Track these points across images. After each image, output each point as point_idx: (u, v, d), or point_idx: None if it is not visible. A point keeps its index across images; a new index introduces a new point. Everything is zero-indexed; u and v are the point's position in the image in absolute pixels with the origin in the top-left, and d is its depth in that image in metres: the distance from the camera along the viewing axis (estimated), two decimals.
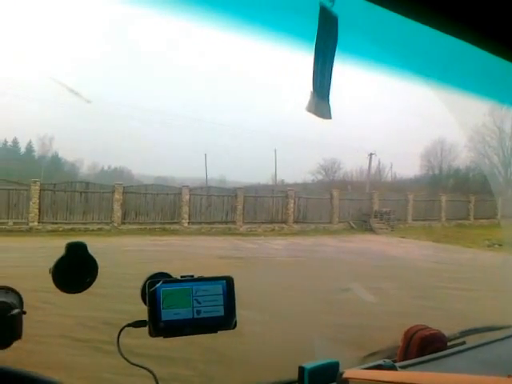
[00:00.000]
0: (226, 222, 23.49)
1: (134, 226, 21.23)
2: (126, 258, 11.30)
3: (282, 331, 6.15)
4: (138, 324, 1.10)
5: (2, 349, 0.87)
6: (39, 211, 19.88)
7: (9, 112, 40.82)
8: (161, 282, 1.09)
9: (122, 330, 1.10)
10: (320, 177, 44.60)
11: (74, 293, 1.08)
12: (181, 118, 46.28)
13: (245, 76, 55.36)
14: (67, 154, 45.68)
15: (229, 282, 1.15)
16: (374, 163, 38.24)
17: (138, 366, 1.10)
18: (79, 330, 6.01)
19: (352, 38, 1.12)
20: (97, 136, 45.87)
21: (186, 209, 22.51)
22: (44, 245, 14.56)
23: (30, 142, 44.80)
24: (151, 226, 21.63)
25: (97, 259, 1.13)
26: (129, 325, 1.11)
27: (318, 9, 0.92)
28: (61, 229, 19.61)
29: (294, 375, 1.23)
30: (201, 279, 1.13)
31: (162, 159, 47.66)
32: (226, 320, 1.13)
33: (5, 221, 19.24)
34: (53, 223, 19.98)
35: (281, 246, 18.40)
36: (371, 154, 35.65)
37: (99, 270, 1.13)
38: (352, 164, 48.14)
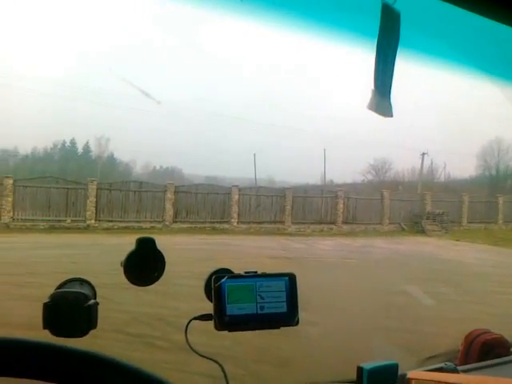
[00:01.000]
0: (275, 222, 23.52)
1: (185, 225, 21.64)
2: (177, 256, 11.49)
3: (336, 333, 6.08)
4: (204, 317, 1.13)
5: (79, 337, 0.91)
6: (96, 209, 20.59)
7: (66, 114, 42.60)
8: (226, 278, 1.11)
9: (189, 322, 1.13)
10: (370, 177, 43.91)
11: (143, 286, 1.12)
12: (231, 119, 46.82)
13: (297, 75, 55.31)
14: (122, 154, 47.20)
15: (291, 279, 1.16)
16: (427, 163, 37.18)
17: (207, 358, 1.13)
18: (133, 325, 6.16)
19: (413, 34, 1.10)
20: (149, 136, 47.21)
21: (235, 208, 22.73)
22: (100, 242, 15.14)
23: (87, 142, 46.61)
24: (202, 224, 22.00)
25: None
26: (195, 318, 1.13)
27: (380, 6, 0.91)
28: (116, 227, 20.28)
29: (348, 376, 1.23)
30: (264, 275, 1.14)
31: (212, 159, 48.36)
32: (288, 316, 1.14)
33: (63, 218, 20.11)
34: (108, 221, 20.69)
35: (330, 247, 18.22)
36: (424, 154, 34.76)
37: None
38: (403, 164, 47.00)
